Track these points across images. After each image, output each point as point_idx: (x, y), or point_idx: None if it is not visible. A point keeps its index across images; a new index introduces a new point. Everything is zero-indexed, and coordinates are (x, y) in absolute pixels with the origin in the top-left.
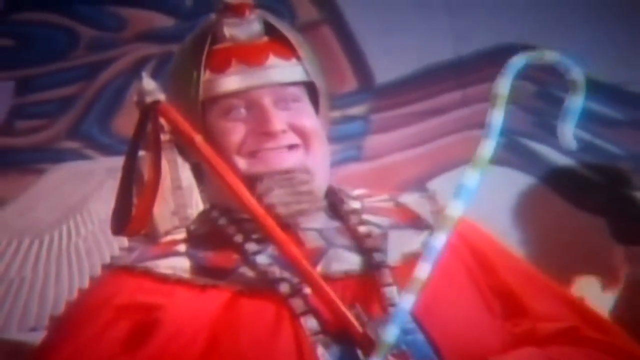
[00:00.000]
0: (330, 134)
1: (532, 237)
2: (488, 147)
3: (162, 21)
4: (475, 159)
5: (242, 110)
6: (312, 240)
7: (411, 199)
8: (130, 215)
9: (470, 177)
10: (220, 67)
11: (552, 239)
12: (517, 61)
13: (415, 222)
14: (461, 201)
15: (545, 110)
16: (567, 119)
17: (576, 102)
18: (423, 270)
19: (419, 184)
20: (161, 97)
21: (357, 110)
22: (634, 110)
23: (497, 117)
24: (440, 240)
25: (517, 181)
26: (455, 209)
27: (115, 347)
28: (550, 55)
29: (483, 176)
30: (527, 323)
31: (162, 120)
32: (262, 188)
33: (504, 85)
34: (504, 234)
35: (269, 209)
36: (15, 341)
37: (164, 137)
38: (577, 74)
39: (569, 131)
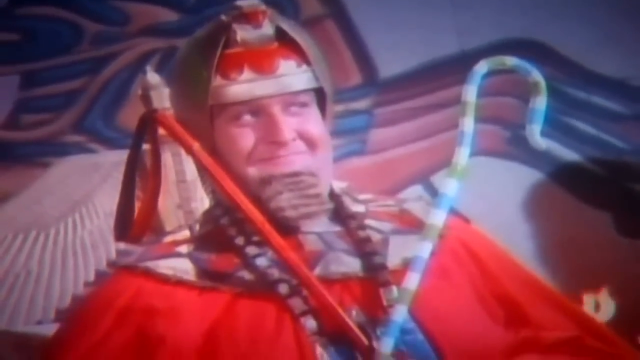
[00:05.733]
0: (334, 128)
1: (538, 231)
2: (463, 154)
3: (167, 15)
4: (451, 166)
5: (251, 117)
6: (312, 243)
7: (416, 205)
8: (132, 222)
9: (449, 185)
10: (231, 73)
11: (558, 233)
12: (480, 68)
13: (419, 228)
14: (442, 210)
15: (552, 105)
16: (534, 120)
17: (540, 103)
18: (412, 281)
19: (423, 178)
20: (165, 92)
21: (361, 104)
22: (638, 105)
23: (468, 124)
24: (426, 249)
25: (523, 175)
26: (438, 218)
27: (118, 354)
28: (510, 61)
29: (461, 182)
30: (529, 331)
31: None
32: (271, 191)
33: (471, 92)
34: (510, 228)
35: (277, 211)
36: (22, 333)
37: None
38: (537, 75)
39: (536, 131)
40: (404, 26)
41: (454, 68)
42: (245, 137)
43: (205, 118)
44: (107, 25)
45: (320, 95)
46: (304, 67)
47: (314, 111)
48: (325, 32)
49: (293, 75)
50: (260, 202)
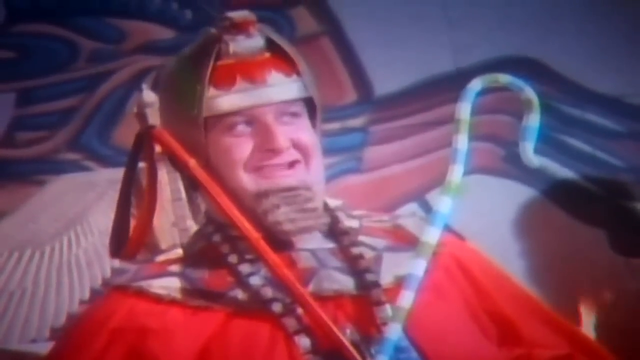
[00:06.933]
0: (329, 146)
1: (533, 249)
2: (457, 171)
3: (162, 33)
4: (445, 184)
5: (245, 126)
6: (305, 260)
7: (410, 221)
8: (127, 239)
9: (443, 202)
10: (224, 84)
11: (552, 251)
12: (474, 85)
13: (412, 245)
14: (436, 227)
15: (547, 123)
16: (527, 137)
17: (533, 120)
18: (406, 299)
19: (419, 196)
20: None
21: (356, 121)
22: (634, 123)
23: (462, 141)
24: (420, 267)
25: (518, 193)
26: (432, 236)
27: None
28: (504, 78)
29: (455, 200)
30: (522, 349)
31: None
32: (267, 205)
33: (464, 109)
34: (505, 246)
35: (275, 225)
36: (16, 351)
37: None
38: (530, 93)
39: (529, 149)
40: (400, 44)
41: (450, 86)
42: (241, 147)
43: (199, 131)
44: (103, 42)
45: (309, 106)
46: (294, 77)
47: (305, 121)
48: (321, 49)
49: (284, 84)
50: (256, 216)
